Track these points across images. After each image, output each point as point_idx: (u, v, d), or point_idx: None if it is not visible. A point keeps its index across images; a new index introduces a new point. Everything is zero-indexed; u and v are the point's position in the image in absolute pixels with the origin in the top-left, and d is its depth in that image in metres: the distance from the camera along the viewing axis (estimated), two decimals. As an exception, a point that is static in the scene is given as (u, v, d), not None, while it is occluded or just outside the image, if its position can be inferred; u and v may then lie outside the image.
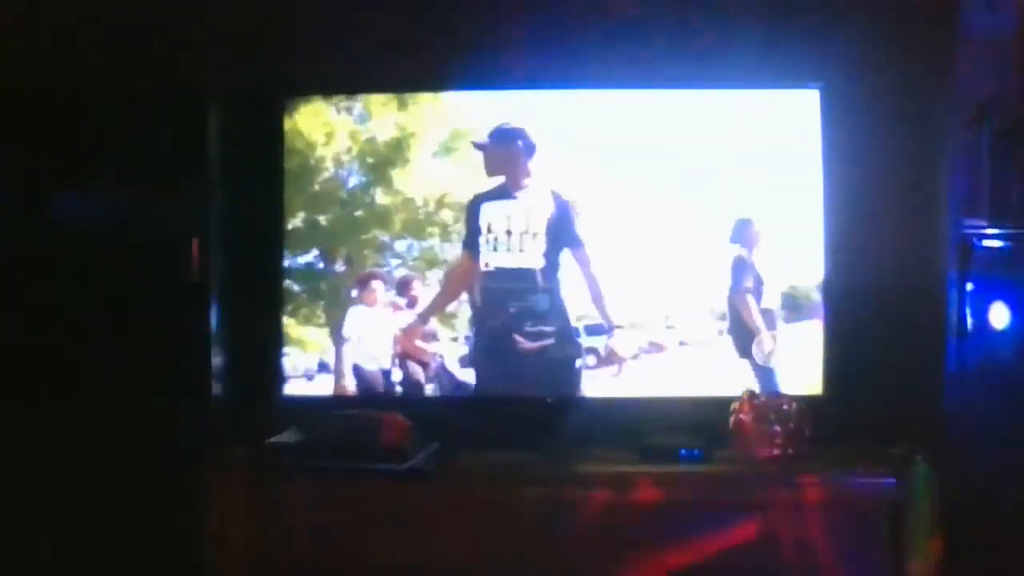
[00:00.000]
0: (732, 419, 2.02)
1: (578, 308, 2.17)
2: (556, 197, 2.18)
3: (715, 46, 2.24)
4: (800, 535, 1.90)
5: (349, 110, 2.20)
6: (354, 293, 2.19)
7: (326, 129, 2.20)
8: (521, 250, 2.16)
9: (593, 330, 2.17)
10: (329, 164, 2.20)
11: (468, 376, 2.19)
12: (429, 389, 2.20)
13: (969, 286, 2.00)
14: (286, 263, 2.19)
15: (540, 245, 2.17)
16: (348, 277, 2.20)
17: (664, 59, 2.23)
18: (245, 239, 2.17)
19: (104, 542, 2.04)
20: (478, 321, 2.18)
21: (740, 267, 2.16)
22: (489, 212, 2.17)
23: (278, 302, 2.18)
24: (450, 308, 2.19)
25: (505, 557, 1.91)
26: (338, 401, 2.13)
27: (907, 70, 2.04)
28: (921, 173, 2.02)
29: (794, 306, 2.15)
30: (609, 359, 2.17)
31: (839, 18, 2.13)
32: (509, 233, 2.17)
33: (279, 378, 2.18)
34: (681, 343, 2.17)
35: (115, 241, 2.10)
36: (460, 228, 2.18)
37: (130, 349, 2.07)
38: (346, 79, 2.24)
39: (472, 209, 2.18)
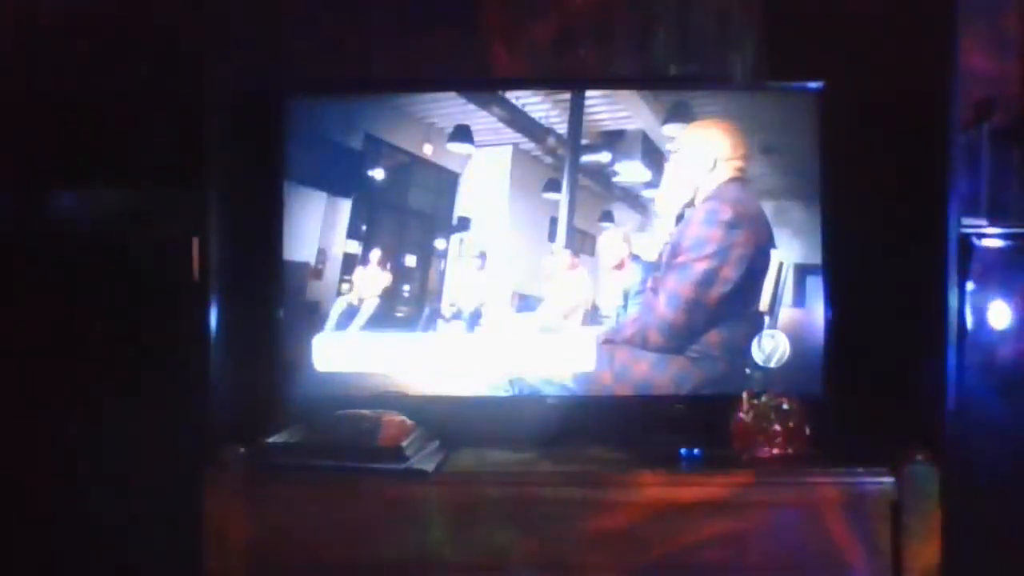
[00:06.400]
0: (732, 419, 2.02)
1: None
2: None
3: (715, 46, 2.24)
4: (800, 535, 1.90)
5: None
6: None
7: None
8: None
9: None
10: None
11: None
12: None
13: (969, 286, 2.00)
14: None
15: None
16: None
17: (664, 59, 2.24)
18: (245, 239, 2.16)
19: (103, 542, 2.04)
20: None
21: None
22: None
23: (278, 302, 2.19)
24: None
25: (505, 557, 1.91)
26: (338, 401, 2.13)
27: (907, 70, 2.03)
28: (921, 173, 2.02)
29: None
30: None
31: (839, 17, 2.13)
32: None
33: (280, 377, 2.19)
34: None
35: (115, 241, 2.10)
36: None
37: (129, 349, 2.07)
38: (346, 79, 2.24)
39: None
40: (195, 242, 2.06)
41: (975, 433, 1.97)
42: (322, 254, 2.20)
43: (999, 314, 2.03)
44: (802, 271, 2.14)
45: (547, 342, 2.17)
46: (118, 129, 2.19)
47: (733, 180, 2.13)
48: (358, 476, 1.95)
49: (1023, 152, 2.12)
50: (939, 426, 1.95)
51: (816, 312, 2.14)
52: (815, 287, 2.14)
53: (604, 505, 1.92)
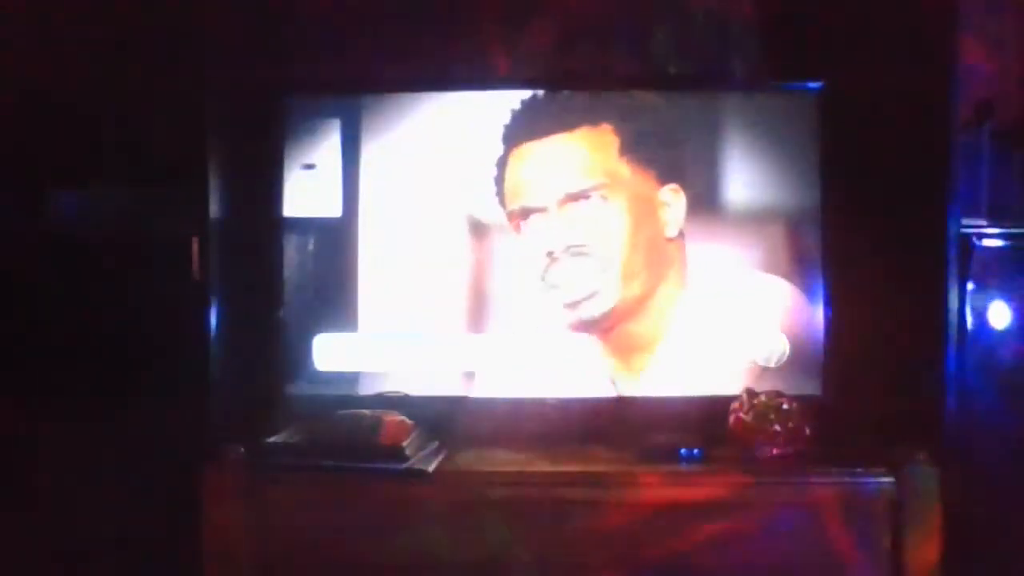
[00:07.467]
0: (732, 419, 2.02)
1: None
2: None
3: (715, 46, 2.24)
4: (800, 535, 1.90)
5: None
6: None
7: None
8: None
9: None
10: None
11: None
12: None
13: (969, 286, 2.00)
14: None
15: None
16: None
17: (664, 59, 2.24)
18: (245, 239, 2.17)
19: (103, 542, 2.04)
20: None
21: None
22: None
23: (278, 302, 2.19)
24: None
25: (505, 557, 1.91)
26: (338, 401, 2.13)
27: (907, 70, 2.03)
28: (921, 173, 2.02)
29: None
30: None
31: (839, 17, 2.13)
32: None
33: (279, 378, 2.19)
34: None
35: (115, 241, 2.10)
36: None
37: (130, 349, 2.07)
38: (346, 79, 2.24)
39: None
40: (195, 242, 2.06)
41: (975, 433, 1.97)
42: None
43: (999, 314, 2.03)
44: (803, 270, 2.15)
45: (548, 342, 2.18)
46: (118, 129, 2.19)
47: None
48: (358, 476, 1.94)
49: (1023, 152, 2.12)
50: (939, 426, 1.95)
51: (816, 312, 2.14)
52: (815, 287, 2.14)
53: (604, 505, 1.92)
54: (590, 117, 2.16)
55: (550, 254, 2.15)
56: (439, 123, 2.19)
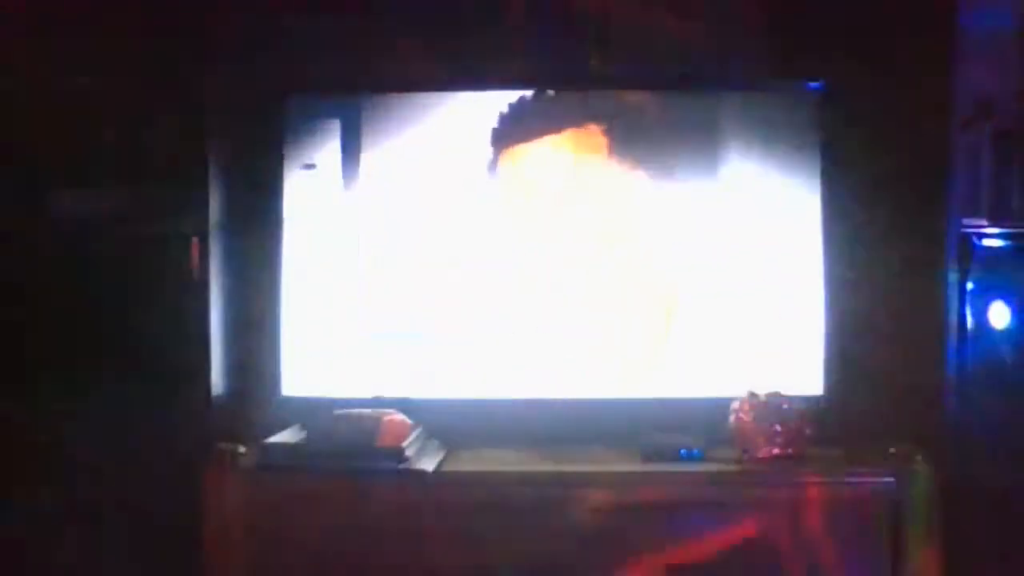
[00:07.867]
0: (732, 419, 2.02)
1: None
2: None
3: (715, 46, 2.24)
4: (800, 535, 1.90)
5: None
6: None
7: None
8: None
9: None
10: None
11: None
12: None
13: (969, 286, 2.00)
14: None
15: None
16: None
17: (664, 59, 2.24)
18: (245, 239, 2.17)
19: (103, 541, 2.04)
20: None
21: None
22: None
23: (278, 301, 2.19)
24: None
25: (505, 557, 1.91)
26: (338, 401, 2.13)
27: (907, 70, 2.04)
28: (921, 173, 2.02)
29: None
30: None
31: (840, 17, 2.13)
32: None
33: (279, 378, 2.19)
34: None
35: (115, 240, 2.10)
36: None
37: (130, 348, 2.07)
38: (346, 79, 2.24)
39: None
40: (195, 242, 2.06)
41: (975, 433, 1.97)
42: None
43: (999, 314, 2.03)
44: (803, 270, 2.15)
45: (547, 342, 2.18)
46: (118, 129, 2.19)
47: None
48: (358, 476, 1.94)
49: (1023, 152, 2.12)
50: (939, 426, 1.95)
51: (816, 312, 2.14)
52: (815, 286, 2.14)
53: (604, 505, 1.92)
54: (579, 118, 2.16)
55: (543, 255, 2.15)
56: (440, 123, 2.19)
